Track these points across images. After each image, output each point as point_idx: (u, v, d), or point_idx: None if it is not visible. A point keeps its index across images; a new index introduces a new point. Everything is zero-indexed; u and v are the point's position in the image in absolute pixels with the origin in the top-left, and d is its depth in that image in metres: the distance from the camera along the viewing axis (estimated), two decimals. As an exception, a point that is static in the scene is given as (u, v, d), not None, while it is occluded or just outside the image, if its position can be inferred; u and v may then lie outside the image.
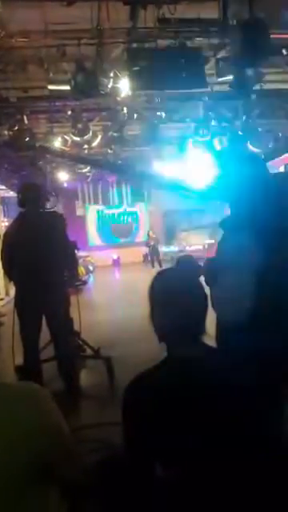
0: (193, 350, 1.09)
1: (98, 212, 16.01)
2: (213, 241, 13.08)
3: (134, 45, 4.14)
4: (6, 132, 5.84)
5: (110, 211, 16.08)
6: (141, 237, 16.12)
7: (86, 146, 7.08)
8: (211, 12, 3.74)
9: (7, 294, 7.57)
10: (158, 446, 1.04)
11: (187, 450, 1.01)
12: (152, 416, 1.04)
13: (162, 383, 1.07)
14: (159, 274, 1.22)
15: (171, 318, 1.10)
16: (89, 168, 9.23)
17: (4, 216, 8.56)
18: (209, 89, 5.07)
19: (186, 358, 1.07)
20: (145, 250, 15.41)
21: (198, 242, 14.14)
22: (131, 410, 1.09)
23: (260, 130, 7.06)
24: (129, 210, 16.25)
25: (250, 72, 4.09)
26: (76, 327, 4.13)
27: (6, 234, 3.53)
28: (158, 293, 1.14)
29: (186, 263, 1.26)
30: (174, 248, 14.98)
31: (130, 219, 16.37)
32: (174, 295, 1.11)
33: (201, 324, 1.13)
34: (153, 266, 13.76)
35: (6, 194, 8.56)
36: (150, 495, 1.04)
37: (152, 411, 1.04)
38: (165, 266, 13.87)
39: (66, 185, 11.80)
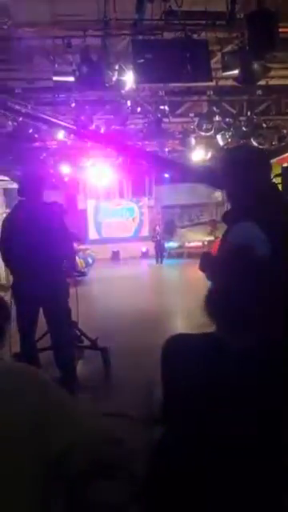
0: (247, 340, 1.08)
1: (100, 206, 15.99)
2: (212, 237, 13.12)
3: (140, 37, 4.14)
4: (10, 123, 5.84)
5: (112, 205, 16.07)
6: (145, 231, 16.11)
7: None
8: (218, 5, 3.74)
9: (8, 283, 7.59)
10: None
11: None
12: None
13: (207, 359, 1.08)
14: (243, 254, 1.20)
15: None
16: (91, 161, 9.22)
17: (6, 207, 8.57)
18: (213, 83, 5.08)
19: (242, 348, 1.08)
20: (145, 244, 15.42)
21: (198, 239, 14.16)
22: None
23: (264, 126, 7.06)
24: (130, 204, 16.23)
25: (256, 66, 4.08)
26: (74, 318, 4.16)
27: (3, 223, 3.55)
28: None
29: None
30: (173, 244, 15.00)
31: (133, 213, 16.34)
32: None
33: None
34: (157, 262, 13.77)
35: (10, 186, 8.56)
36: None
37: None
38: (165, 261, 13.94)
39: (67, 178, 11.80)
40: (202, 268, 1.79)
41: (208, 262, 1.80)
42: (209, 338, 1.14)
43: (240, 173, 1.78)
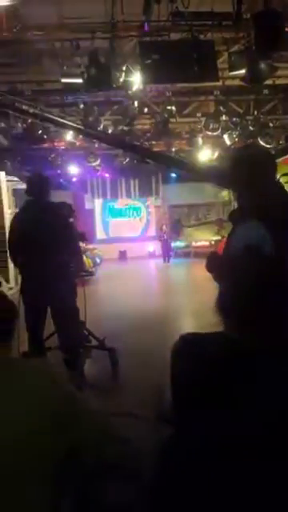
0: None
1: (107, 205, 16.03)
2: (219, 237, 13.08)
3: (147, 38, 4.17)
4: (19, 125, 5.91)
5: (119, 204, 16.10)
6: (152, 231, 16.11)
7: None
8: (225, 5, 3.75)
9: (17, 283, 7.67)
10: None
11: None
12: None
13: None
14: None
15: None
16: (98, 162, 9.27)
17: (16, 207, 8.66)
18: (220, 83, 5.09)
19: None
20: (152, 244, 15.42)
21: (205, 238, 14.13)
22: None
23: (271, 125, 7.04)
24: (137, 204, 16.26)
25: (262, 66, 4.08)
26: (82, 317, 4.20)
27: (11, 223, 3.61)
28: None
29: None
30: (180, 243, 14.98)
31: (140, 213, 16.35)
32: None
33: None
34: (164, 261, 13.77)
35: (19, 186, 8.65)
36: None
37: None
38: (172, 260, 13.94)
39: (75, 179, 11.87)
40: (209, 269, 1.81)
41: (215, 262, 1.81)
42: (219, 338, 1.15)
43: (246, 172, 1.80)
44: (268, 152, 2.18)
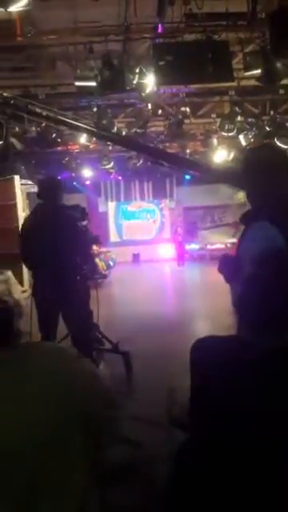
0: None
1: (121, 208, 16.07)
2: (235, 240, 12.93)
3: (161, 40, 4.15)
4: (33, 128, 5.97)
5: (133, 207, 16.13)
6: (166, 233, 16.06)
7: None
8: (240, 5, 3.70)
9: (31, 286, 7.74)
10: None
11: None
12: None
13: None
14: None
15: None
16: (112, 164, 9.29)
17: (29, 211, 8.75)
18: (235, 83, 5.03)
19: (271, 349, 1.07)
20: (166, 246, 15.37)
21: (220, 241, 14.00)
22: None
23: None
24: (151, 206, 16.25)
25: (278, 66, 4.02)
26: (95, 320, 4.18)
27: (22, 226, 3.62)
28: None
29: None
30: (195, 246, 14.88)
31: (154, 215, 16.34)
32: None
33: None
34: (178, 264, 13.71)
35: (33, 190, 8.74)
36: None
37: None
38: (187, 263, 13.88)
39: (88, 182, 11.94)
40: (221, 270, 1.79)
41: (226, 263, 1.79)
42: (235, 341, 1.13)
43: (261, 173, 1.76)
44: (282, 152, 2.13)
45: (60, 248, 3.21)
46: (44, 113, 4.91)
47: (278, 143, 6.67)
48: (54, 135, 6.29)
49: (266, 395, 1.02)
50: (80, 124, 5.46)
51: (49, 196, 3.39)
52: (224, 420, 1.04)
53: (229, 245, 13.24)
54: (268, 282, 1.12)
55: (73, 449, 0.99)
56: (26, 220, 3.64)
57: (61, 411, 0.99)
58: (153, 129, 7.25)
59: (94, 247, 5.04)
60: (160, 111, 6.38)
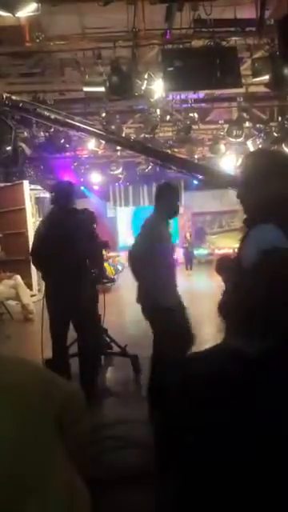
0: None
1: (134, 213, 16.07)
2: (244, 244, 12.86)
3: (169, 46, 4.17)
4: (42, 134, 6.01)
5: (141, 212, 16.13)
6: (174, 238, 15.98)
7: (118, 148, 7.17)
8: (248, 11, 3.71)
9: (40, 290, 7.75)
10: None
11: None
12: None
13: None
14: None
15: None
16: (120, 170, 9.32)
17: (39, 216, 8.80)
18: (243, 89, 5.02)
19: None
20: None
21: (228, 246, 13.93)
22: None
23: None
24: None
25: (286, 71, 4.00)
26: (102, 324, 4.17)
27: (36, 230, 3.64)
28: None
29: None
30: (203, 251, 14.83)
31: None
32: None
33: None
34: (186, 269, 13.67)
35: (42, 195, 8.79)
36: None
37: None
38: (195, 268, 13.83)
39: (97, 187, 12.00)
40: (219, 271, 1.78)
41: (224, 265, 1.77)
42: (223, 350, 1.12)
43: (261, 176, 1.73)
44: (283, 156, 2.09)
45: (74, 251, 3.22)
46: (52, 116, 4.92)
47: (286, 149, 6.64)
48: (62, 140, 6.33)
49: (262, 401, 1.01)
50: (88, 127, 5.47)
51: (62, 200, 3.40)
52: (222, 428, 1.02)
53: (236, 249, 13.17)
54: (252, 285, 1.11)
55: (56, 449, 0.99)
56: (40, 225, 3.66)
57: (39, 412, 0.99)
58: (161, 134, 7.26)
59: (103, 252, 5.04)
60: (168, 117, 6.39)
